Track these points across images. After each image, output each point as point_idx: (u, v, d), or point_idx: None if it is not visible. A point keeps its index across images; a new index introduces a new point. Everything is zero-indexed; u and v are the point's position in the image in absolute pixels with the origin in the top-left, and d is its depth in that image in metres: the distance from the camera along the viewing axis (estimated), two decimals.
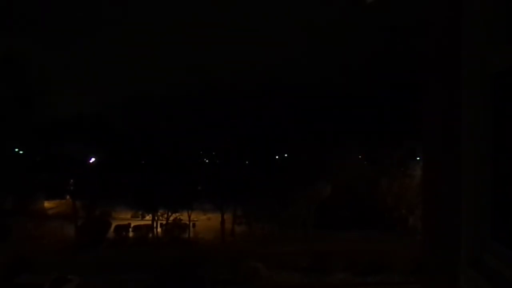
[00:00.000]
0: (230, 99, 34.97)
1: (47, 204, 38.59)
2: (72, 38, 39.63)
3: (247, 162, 36.62)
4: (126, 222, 33.77)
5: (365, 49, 38.84)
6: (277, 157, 39.03)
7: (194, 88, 36.44)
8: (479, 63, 1.61)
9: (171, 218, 33.28)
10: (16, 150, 35.24)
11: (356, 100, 34.75)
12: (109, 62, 39.64)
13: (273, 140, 35.60)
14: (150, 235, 32.54)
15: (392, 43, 33.33)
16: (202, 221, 34.69)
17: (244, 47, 41.57)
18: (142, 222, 33.92)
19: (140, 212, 35.33)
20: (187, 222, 33.00)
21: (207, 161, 39.64)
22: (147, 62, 41.07)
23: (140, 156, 35.45)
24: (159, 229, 33.33)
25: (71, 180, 34.81)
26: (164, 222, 33.41)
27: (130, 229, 32.45)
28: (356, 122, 33.84)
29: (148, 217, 34.39)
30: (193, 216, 33.60)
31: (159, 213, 33.37)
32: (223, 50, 43.80)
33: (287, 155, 38.17)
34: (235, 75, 37.72)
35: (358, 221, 32.06)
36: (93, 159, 35.35)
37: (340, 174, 32.97)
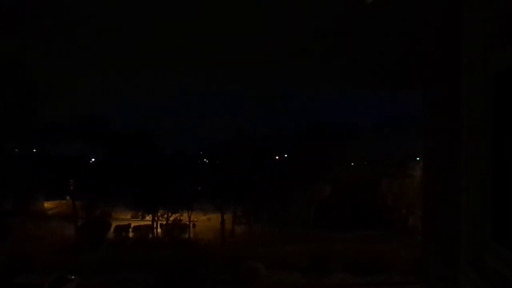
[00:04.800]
0: (230, 98, 35.06)
1: (47, 204, 38.58)
2: (72, 38, 39.65)
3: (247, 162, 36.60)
4: (126, 223, 33.74)
5: (365, 48, 38.88)
6: (277, 157, 39.02)
7: (194, 88, 36.52)
8: (479, 63, 1.61)
9: (171, 219, 33.25)
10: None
11: (356, 100, 34.83)
12: (109, 62, 39.67)
13: (273, 140, 35.58)
14: (150, 235, 32.52)
15: (392, 43, 33.38)
16: (202, 222, 34.65)
17: (245, 48, 41.59)
18: (142, 223, 33.87)
19: (140, 213, 35.29)
20: (187, 223, 32.99)
21: (207, 161, 39.65)
22: (147, 61, 41.11)
23: (140, 156, 35.42)
24: (159, 230, 33.30)
25: (71, 180, 34.79)
26: (164, 222, 33.37)
27: (130, 230, 32.42)
28: (356, 122, 33.92)
29: (148, 217, 34.36)
30: (193, 217, 33.58)
31: (159, 214, 33.34)
32: (223, 50, 43.79)
33: (287, 155, 38.16)
34: (235, 75, 37.79)
35: (358, 221, 32.08)
36: (93, 159, 35.35)
37: (340, 174, 32.99)
